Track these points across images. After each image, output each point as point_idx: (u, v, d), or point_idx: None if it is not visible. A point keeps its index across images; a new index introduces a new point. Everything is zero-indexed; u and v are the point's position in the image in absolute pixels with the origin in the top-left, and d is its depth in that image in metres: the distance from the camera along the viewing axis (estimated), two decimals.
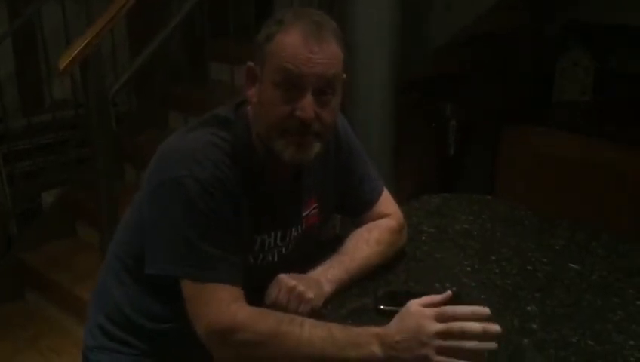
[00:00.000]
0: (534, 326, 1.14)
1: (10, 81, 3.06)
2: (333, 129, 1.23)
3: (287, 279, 1.16)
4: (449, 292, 1.05)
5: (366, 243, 1.30)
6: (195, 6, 2.62)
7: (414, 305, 1.02)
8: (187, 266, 1.10)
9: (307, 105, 1.09)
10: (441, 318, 0.99)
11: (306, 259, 1.27)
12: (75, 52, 2.12)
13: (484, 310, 1.00)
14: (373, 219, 1.36)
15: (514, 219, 1.59)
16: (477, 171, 3.39)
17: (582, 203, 2.70)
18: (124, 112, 3.23)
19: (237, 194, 1.13)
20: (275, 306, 1.13)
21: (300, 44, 1.08)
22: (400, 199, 1.43)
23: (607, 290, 1.27)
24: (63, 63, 2.12)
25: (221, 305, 1.07)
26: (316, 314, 1.14)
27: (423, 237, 1.48)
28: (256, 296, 1.14)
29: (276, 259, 1.25)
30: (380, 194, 1.39)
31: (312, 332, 1.03)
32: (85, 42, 2.13)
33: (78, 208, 2.96)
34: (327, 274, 1.21)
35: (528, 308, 1.20)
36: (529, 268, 1.35)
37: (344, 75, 1.16)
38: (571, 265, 1.36)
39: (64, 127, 3.02)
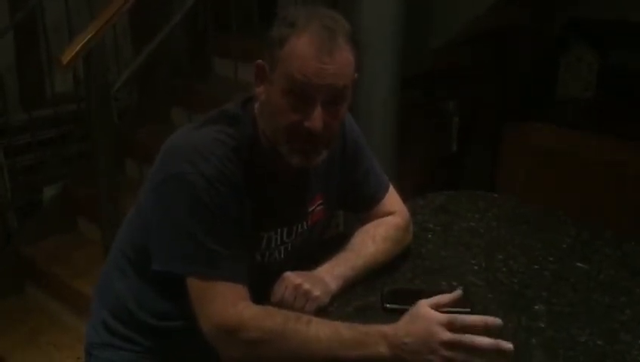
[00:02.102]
0: (542, 325, 1.13)
1: (11, 75, 3.04)
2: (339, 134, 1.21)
3: (293, 277, 1.15)
4: (459, 292, 1.04)
5: (372, 240, 1.29)
6: (197, 0, 2.61)
7: (424, 306, 1.01)
8: (193, 264, 1.09)
9: (317, 116, 1.07)
10: (451, 326, 0.98)
11: (311, 256, 1.26)
12: (79, 46, 2.10)
13: (497, 321, 0.99)
14: (379, 216, 1.35)
15: (520, 217, 1.58)
16: (479, 168, 3.39)
17: (584, 200, 2.69)
18: (126, 107, 3.22)
19: (242, 190, 1.12)
20: (282, 304, 1.12)
21: (311, 55, 1.05)
22: (403, 197, 1.42)
23: (615, 289, 1.26)
24: (66, 58, 2.11)
25: (227, 303, 1.06)
26: (322, 311, 1.13)
27: (429, 235, 1.47)
28: (262, 293, 1.14)
29: (282, 256, 1.24)
30: (385, 191, 1.38)
31: (319, 330, 1.03)
32: (88, 36, 2.12)
33: (78, 203, 2.95)
34: (333, 272, 1.20)
35: (536, 306, 1.19)
36: (536, 266, 1.34)
37: (356, 75, 1.14)
38: (578, 263, 1.35)
39: (65, 121, 3.01)
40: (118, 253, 1.29)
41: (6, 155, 2.94)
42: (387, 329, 1.01)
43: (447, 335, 0.97)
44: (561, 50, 3.12)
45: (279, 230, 1.21)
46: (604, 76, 3.04)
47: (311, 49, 1.05)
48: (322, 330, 1.03)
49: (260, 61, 1.14)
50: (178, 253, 1.10)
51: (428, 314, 1.00)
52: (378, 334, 1.01)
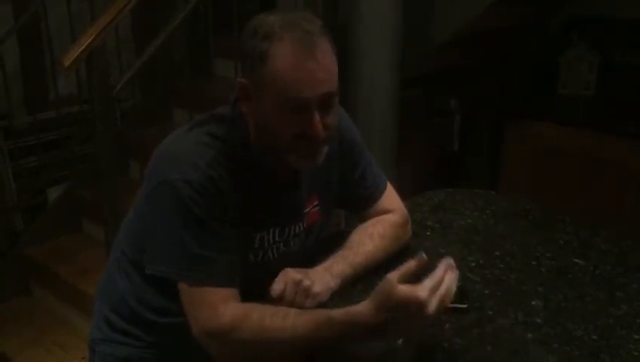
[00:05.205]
0: (538, 320, 1.14)
1: (15, 77, 3.07)
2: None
3: (293, 273, 1.16)
4: (423, 256, 1.02)
5: (370, 237, 1.30)
6: (198, 2, 2.63)
7: (403, 289, 0.96)
8: (180, 269, 1.11)
9: (316, 124, 1.07)
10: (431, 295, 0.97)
11: (309, 256, 1.27)
12: (80, 49, 2.12)
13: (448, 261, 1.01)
14: (377, 215, 1.36)
15: (518, 214, 1.59)
16: (480, 166, 3.40)
17: (585, 198, 2.70)
18: (129, 108, 3.24)
19: (231, 193, 1.13)
20: (282, 301, 1.13)
21: (299, 66, 1.04)
22: (403, 195, 1.43)
23: (611, 285, 1.27)
24: (68, 60, 2.13)
25: (210, 308, 1.09)
26: (323, 308, 1.14)
27: (428, 233, 1.48)
28: (261, 293, 1.15)
29: (276, 255, 1.24)
30: (383, 189, 1.39)
31: (296, 322, 1.05)
32: (90, 39, 2.14)
33: (83, 204, 2.97)
34: (332, 270, 1.21)
35: (532, 302, 1.20)
36: (533, 263, 1.35)
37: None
38: (575, 259, 1.36)
39: (69, 123, 3.04)
40: (119, 252, 1.32)
41: (11, 157, 2.96)
42: (366, 317, 1.00)
43: (433, 305, 0.96)
44: (562, 48, 3.12)
45: (271, 230, 1.22)
46: (605, 74, 3.04)
47: (297, 60, 1.04)
48: (299, 322, 1.05)
49: (241, 80, 1.12)
50: (166, 258, 1.13)
51: (409, 299, 0.96)
52: (360, 325, 1.01)
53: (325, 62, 1.07)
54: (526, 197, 1.72)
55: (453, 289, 0.99)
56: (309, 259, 1.25)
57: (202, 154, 1.12)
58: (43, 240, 2.92)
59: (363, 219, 1.36)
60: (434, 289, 0.97)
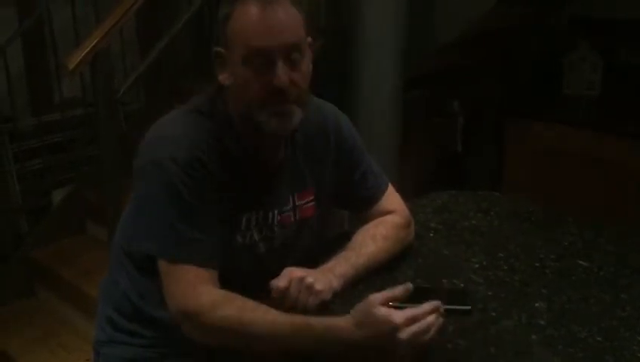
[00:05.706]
0: (542, 322, 1.14)
1: (19, 80, 3.08)
2: (309, 95, 1.22)
3: (296, 270, 1.17)
4: (410, 285, 1.07)
5: (372, 239, 1.30)
6: (203, 3, 2.64)
7: (380, 310, 1.01)
8: (161, 245, 1.13)
9: (281, 73, 1.10)
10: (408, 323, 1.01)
11: (310, 256, 1.28)
12: (84, 52, 2.13)
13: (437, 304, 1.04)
14: (379, 215, 1.36)
15: (522, 215, 1.59)
16: (483, 167, 3.39)
17: (588, 198, 2.69)
18: (134, 111, 3.25)
19: (218, 172, 1.15)
20: (285, 297, 1.14)
21: (259, 18, 1.09)
22: (405, 196, 1.44)
23: (615, 287, 1.27)
24: (72, 63, 2.14)
25: (188, 286, 1.10)
26: (325, 307, 1.15)
27: (431, 234, 1.48)
28: (249, 279, 1.15)
29: (258, 238, 1.25)
30: (384, 190, 1.39)
31: (276, 321, 1.06)
32: (94, 42, 2.15)
33: (87, 206, 2.98)
34: (335, 270, 1.21)
35: (536, 304, 1.20)
36: (537, 264, 1.35)
37: (309, 39, 1.17)
38: (579, 261, 1.36)
39: (74, 126, 3.05)
40: (118, 249, 1.33)
41: (15, 160, 2.97)
42: (345, 332, 1.03)
43: (405, 335, 0.99)
44: (566, 49, 3.12)
45: (254, 212, 1.23)
46: (609, 75, 3.04)
47: (257, 13, 1.09)
48: (278, 320, 1.06)
49: (217, 48, 1.17)
50: (150, 234, 1.15)
51: (384, 320, 1.00)
52: (337, 338, 1.03)
53: (286, 17, 1.11)
54: (529, 197, 1.72)
55: (432, 331, 1.02)
56: (311, 259, 1.26)
57: (188, 133, 1.15)
58: (47, 243, 2.93)
59: (365, 219, 1.37)
60: (412, 319, 1.00)
